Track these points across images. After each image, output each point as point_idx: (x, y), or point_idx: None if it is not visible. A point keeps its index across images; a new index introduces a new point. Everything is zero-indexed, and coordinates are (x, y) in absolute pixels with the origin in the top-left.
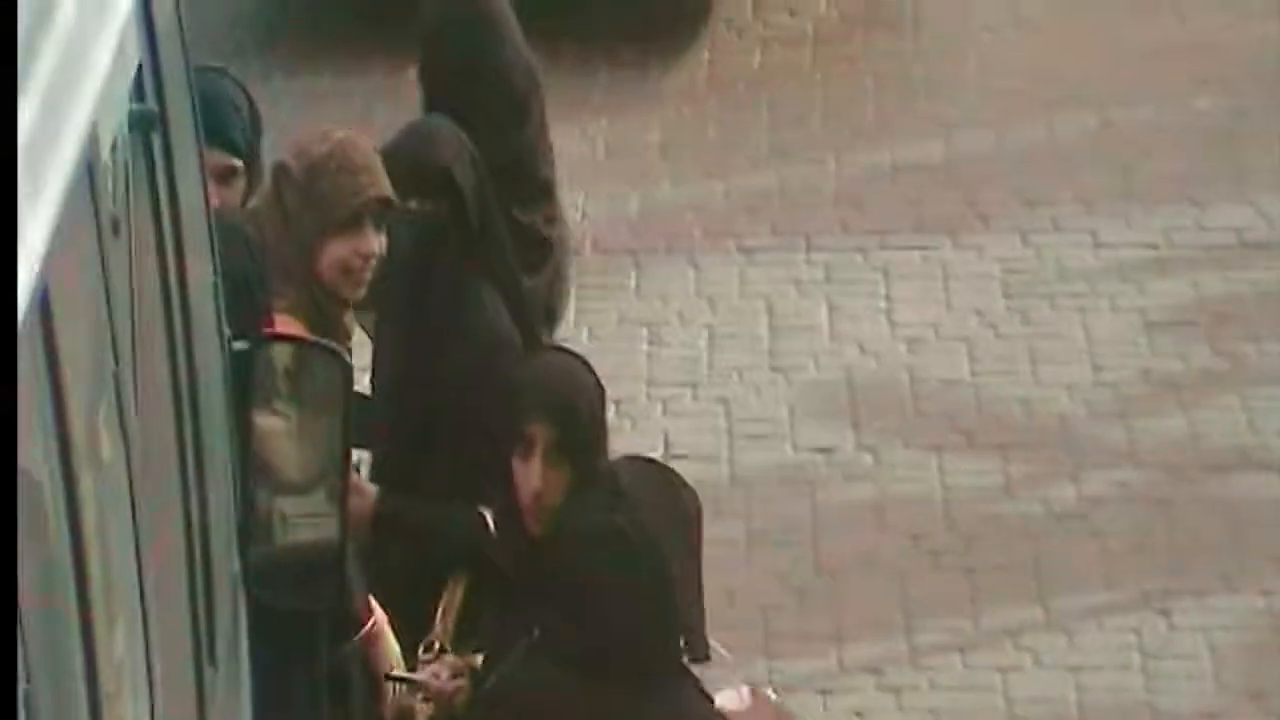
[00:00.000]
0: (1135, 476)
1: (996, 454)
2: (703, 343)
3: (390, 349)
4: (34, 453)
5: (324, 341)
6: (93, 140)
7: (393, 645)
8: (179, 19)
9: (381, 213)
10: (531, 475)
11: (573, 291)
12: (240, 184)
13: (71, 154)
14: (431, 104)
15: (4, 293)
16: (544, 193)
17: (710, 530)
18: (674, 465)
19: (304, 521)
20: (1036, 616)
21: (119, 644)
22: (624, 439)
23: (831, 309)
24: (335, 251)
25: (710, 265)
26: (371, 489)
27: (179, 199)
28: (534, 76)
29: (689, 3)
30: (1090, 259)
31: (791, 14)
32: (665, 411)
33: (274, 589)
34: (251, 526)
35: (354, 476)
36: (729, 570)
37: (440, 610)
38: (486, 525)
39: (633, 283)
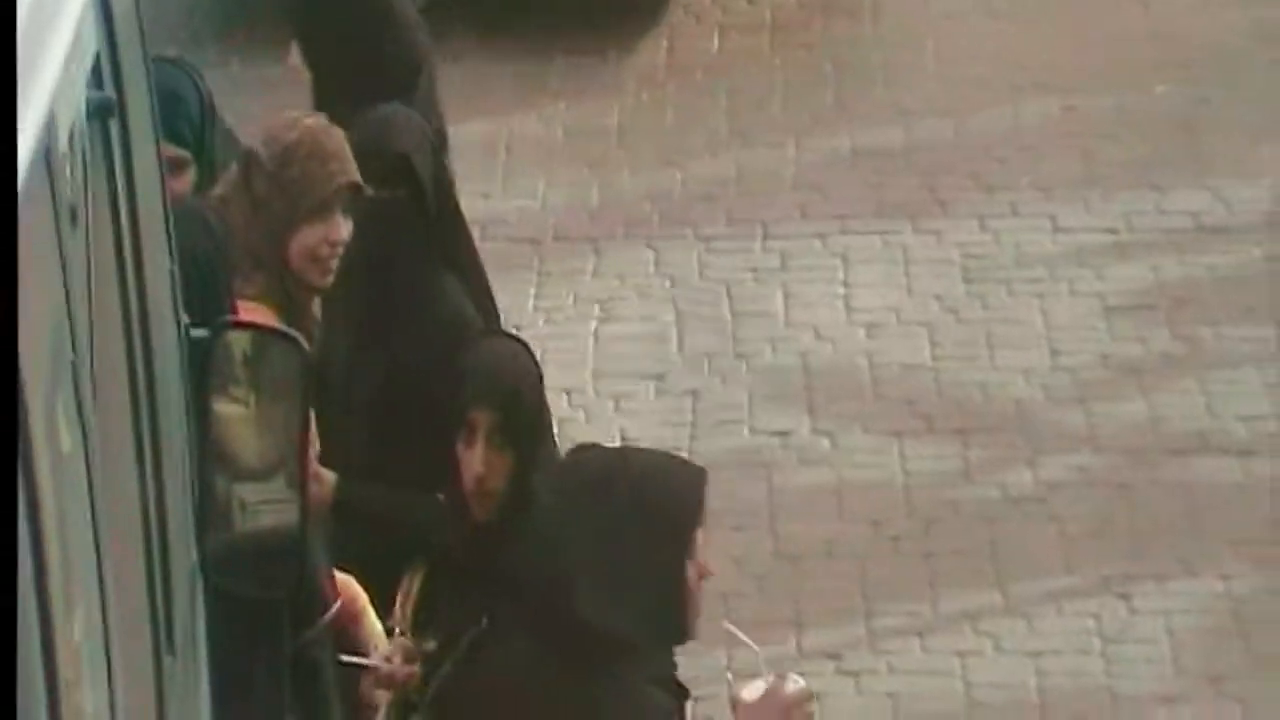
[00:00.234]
0: (1095, 461)
1: (956, 439)
2: (662, 328)
3: (344, 335)
4: None
5: (281, 328)
6: (50, 128)
7: (375, 627)
8: (136, 6)
9: (351, 200)
10: (474, 460)
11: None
12: (189, 174)
13: (28, 142)
14: (319, 79)
15: None
16: None
17: None
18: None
19: (264, 508)
20: (996, 601)
21: (77, 632)
22: (578, 425)
23: (788, 295)
24: (306, 239)
25: (669, 251)
26: (330, 475)
27: (136, 188)
28: (424, 44)
29: None
30: (1049, 244)
31: (750, 0)
32: (619, 399)
33: (233, 575)
34: (210, 514)
35: (313, 463)
36: None
37: (400, 597)
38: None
39: (590, 268)
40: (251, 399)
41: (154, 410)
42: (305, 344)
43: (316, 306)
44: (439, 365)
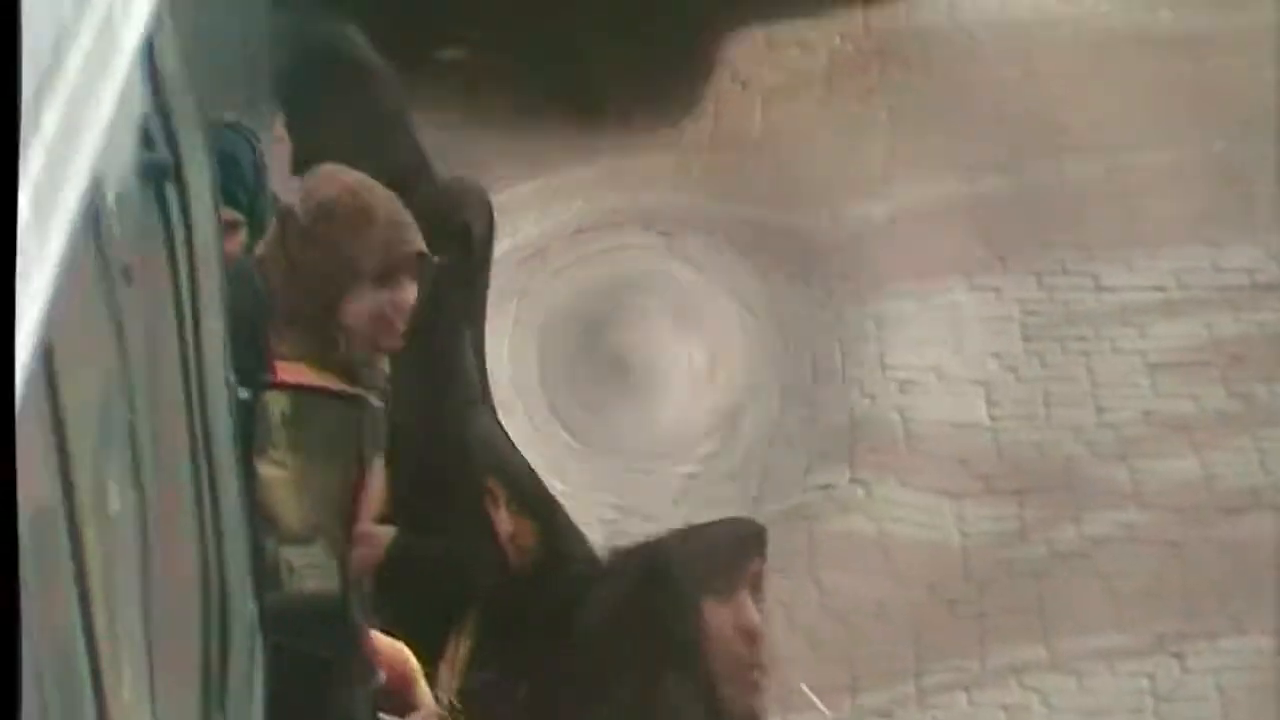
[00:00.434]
0: (1144, 518)
1: (1012, 499)
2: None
3: (402, 393)
4: (37, 507)
5: (331, 387)
6: (97, 189)
7: (425, 696)
8: (186, 71)
9: (417, 265)
10: (502, 520)
11: None
12: (242, 235)
13: (73, 204)
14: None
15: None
16: None
17: None
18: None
19: (308, 572)
20: (1043, 657)
21: (127, 693)
22: None
23: (845, 354)
24: (368, 301)
25: None
26: (386, 533)
27: (195, 249)
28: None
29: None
30: (1093, 301)
31: (802, 49)
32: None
33: (288, 633)
34: (263, 572)
35: (367, 524)
36: None
37: (446, 663)
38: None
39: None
40: (289, 460)
41: (212, 468)
42: (371, 400)
43: (383, 365)
44: (458, 427)
